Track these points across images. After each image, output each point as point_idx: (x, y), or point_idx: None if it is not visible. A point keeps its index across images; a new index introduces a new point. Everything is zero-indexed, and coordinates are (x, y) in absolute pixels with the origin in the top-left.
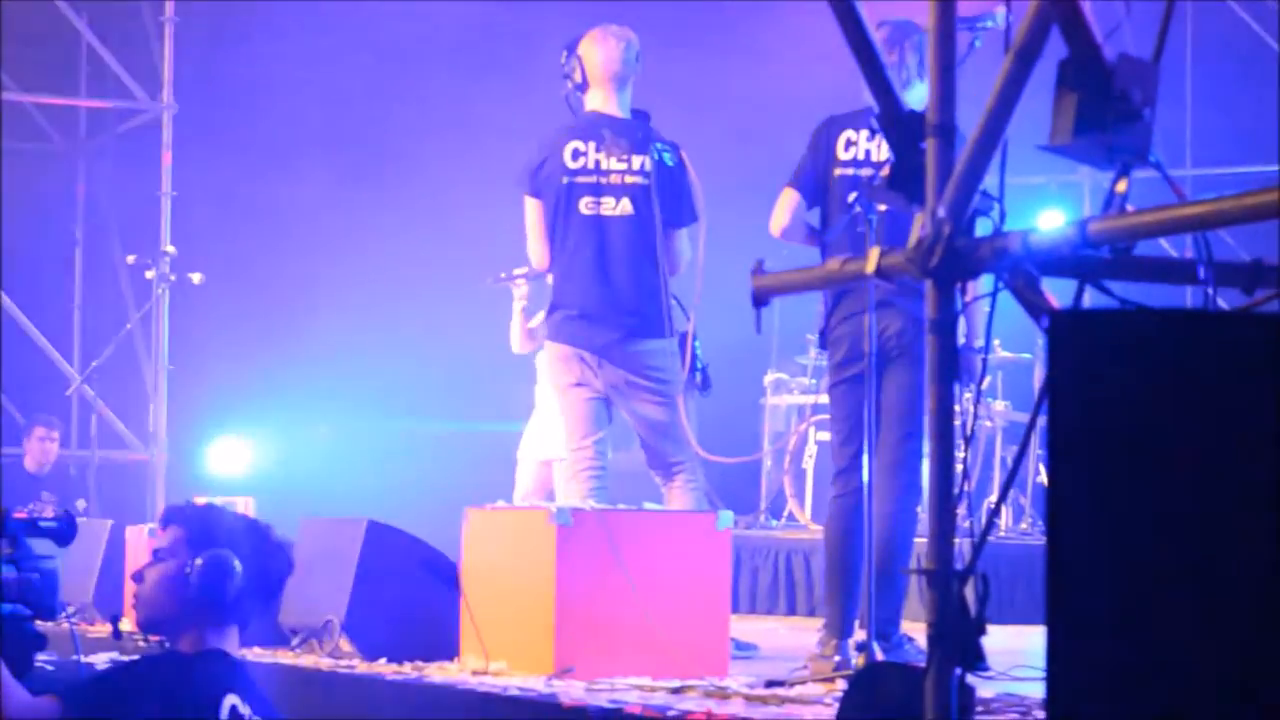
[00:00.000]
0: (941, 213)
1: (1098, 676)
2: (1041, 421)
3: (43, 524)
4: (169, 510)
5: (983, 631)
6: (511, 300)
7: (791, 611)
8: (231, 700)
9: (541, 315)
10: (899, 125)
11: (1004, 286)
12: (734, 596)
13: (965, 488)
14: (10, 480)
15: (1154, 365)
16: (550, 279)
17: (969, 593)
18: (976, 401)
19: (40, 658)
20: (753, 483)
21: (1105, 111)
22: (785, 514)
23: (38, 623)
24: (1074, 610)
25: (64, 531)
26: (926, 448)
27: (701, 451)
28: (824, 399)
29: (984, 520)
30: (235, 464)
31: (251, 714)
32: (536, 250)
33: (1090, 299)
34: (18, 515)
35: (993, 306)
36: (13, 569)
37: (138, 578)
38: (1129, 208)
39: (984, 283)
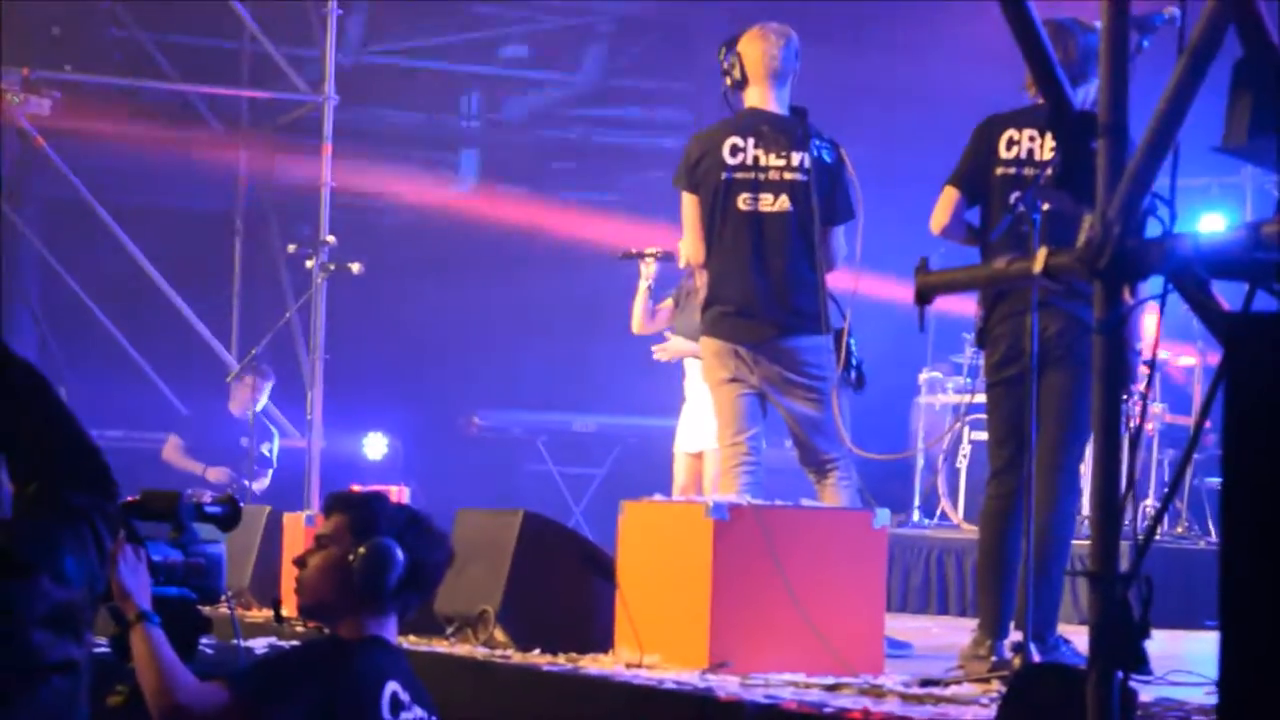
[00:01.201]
0: (1112, 213)
1: (1270, 687)
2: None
3: (208, 509)
4: (332, 497)
5: (1146, 635)
6: (638, 279)
7: (943, 611)
8: (392, 687)
9: (670, 301)
10: (1069, 124)
11: (1174, 289)
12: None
13: (1128, 492)
14: (218, 421)
15: None
16: (681, 264)
17: (1131, 596)
18: (1144, 406)
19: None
20: (905, 481)
21: None
22: (938, 513)
23: (201, 606)
24: (1247, 620)
25: (228, 516)
26: (1087, 451)
27: (855, 448)
28: (979, 398)
29: (1147, 523)
30: (383, 453)
31: (410, 701)
32: (693, 245)
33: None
34: (184, 500)
35: (1162, 309)
36: (179, 553)
37: (300, 563)
38: None
39: (1149, 286)
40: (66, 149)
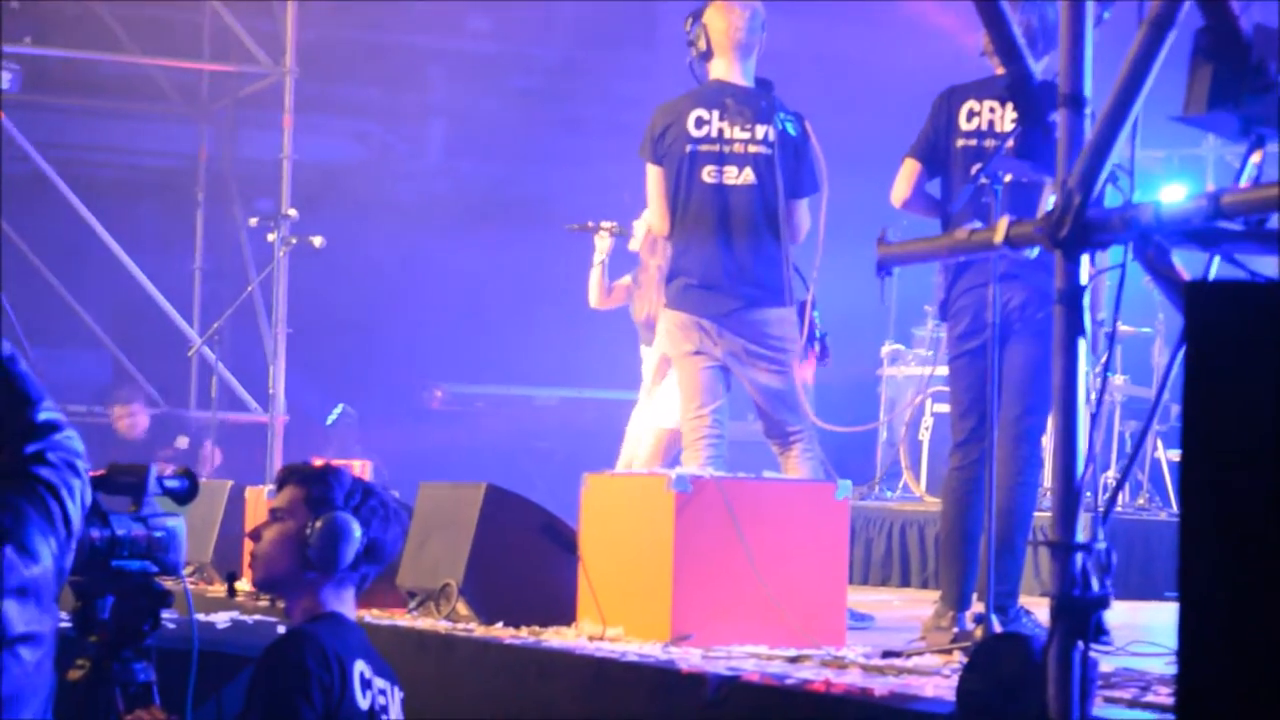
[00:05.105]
0: (1073, 183)
1: (1228, 657)
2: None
3: (166, 482)
4: (287, 470)
5: (1106, 605)
6: (592, 253)
7: (905, 583)
8: (360, 667)
9: (628, 279)
10: (1029, 95)
11: (1134, 258)
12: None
13: (1089, 463)
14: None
15: None
16: (632, 240)
17: (1092, 566)
18: (1103, 376)
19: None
20: (868, 453)
21: (1241, 83)
22: (900, 485)
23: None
24: (1206, 591)
25: (186, 491)
26: (1049, 422)
27: (818, 421)
28: (941, 370)
29: (1108, 495)
30: (349, 427)
31: (372, 674)
32: (658, 217)
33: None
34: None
35: (1122, 278)
36: (140, 526)
37: (255, 536)
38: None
39: (1110, 256)
40: (27, 122)
